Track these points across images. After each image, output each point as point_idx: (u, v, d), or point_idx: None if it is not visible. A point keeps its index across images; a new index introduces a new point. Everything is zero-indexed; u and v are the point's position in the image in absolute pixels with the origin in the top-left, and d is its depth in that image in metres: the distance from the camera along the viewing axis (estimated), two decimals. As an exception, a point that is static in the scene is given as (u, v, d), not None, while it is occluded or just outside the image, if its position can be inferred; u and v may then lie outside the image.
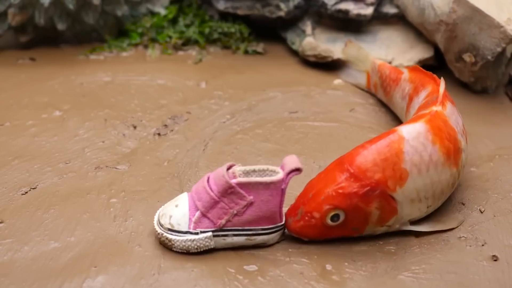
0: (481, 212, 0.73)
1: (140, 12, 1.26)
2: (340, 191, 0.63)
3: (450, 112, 0.73)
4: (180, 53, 1.21)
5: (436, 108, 0.71)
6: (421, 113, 0.72)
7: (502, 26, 0.95)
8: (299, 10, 1.20)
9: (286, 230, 0.66)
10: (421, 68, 0.87)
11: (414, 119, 0.70)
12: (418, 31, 1.16)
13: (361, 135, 0.90)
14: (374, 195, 0.63)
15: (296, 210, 0.65)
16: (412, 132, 0.67)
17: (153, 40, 1.24)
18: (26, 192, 0.74)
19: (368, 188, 0.63)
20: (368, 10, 1.15)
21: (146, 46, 1.23)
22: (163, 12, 1.27)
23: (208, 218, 0.62)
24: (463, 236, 0.68)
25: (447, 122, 0.70)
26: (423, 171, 0.65)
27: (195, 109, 0.97)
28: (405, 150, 0.65)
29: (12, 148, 0.84)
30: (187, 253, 0.63)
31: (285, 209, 0.66)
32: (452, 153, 0.68)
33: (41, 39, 1.22)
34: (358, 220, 0.64)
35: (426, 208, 0.68)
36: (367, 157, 0.64)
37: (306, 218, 0.64)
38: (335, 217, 0.63)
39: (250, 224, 0.62)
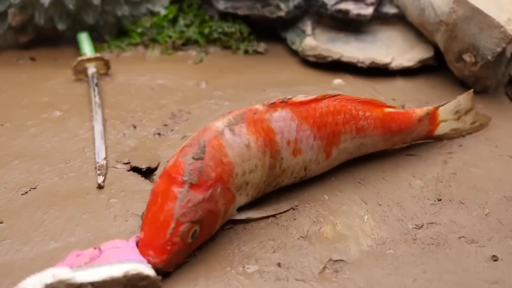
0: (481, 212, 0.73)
1: (140, 12, 1.26)
2: (189, 205, 0.60)
3: (279, 118, 0.69)
4: (180, 53, 1.21)
5: (259, 107, 0.69)
6: (241, 109, 0.70)
7: (502, 26, 0.95)
8: (299, 10, 1.20)
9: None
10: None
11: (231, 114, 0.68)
12: (418, 31, 1.16)
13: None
14: (218, 193, 0.62)
15: (148, 247, 0.60)
16: (228, 126, 0.66)
17: (153, 40, 1.24)
18: (26, 192, 0.74)
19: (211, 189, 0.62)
20: (368, 10, 1.15)
21: (146, 46, 1.23)
22: (163, 12, 1.27)
23: None
24: (463, 236, 0.68)
25: (265, 121, 0.68)
26: (245, 160, 0.65)
27: (195, 109, 0.97)
28: (224, 144, 0.64)
29: (12, 148, 0.84)
30: None
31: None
32: (269, 149, 0.68)
33: (41, 39, 1.22)
34: (211, 223, 0.63)
35: (246, 197, 0.68)
36: (197, 161, 0.62)
37: (168, 248, 0.59)
38: (194, 234, 0.61)
39: None
